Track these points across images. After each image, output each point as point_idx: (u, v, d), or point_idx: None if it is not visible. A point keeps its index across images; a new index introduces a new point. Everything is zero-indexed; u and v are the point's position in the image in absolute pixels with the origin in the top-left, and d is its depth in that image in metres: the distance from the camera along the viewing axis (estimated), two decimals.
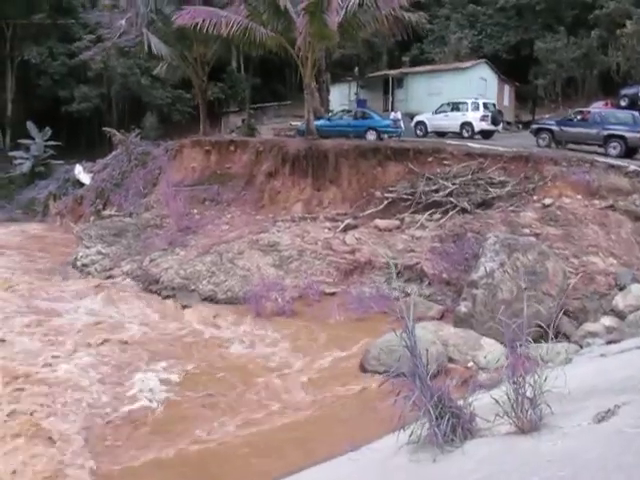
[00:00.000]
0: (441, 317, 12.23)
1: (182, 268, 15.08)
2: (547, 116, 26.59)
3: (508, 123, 29.34)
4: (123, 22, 20.96)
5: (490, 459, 3.65)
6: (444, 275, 13.54)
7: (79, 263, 16.70)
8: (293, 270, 15.01)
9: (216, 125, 34.02)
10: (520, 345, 4.15)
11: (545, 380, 3.80)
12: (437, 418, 4.40)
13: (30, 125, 32.44)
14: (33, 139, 32.48)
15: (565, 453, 3.20)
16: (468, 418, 4.53)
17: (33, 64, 35.73)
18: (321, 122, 21.42)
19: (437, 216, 16.01)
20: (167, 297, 14.27)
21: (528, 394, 3.89)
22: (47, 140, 32.57)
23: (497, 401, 4.35)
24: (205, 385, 9.12)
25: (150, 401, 8.38)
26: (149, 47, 20.22)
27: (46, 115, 34.20)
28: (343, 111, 23.84)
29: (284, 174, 18.59)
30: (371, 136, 20.17)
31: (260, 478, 6.43)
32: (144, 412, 8.12)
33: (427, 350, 8.32)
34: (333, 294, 14.03)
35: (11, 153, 33.10)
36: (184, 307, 13.54)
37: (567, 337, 11.33)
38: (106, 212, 23.14)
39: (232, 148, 20.59)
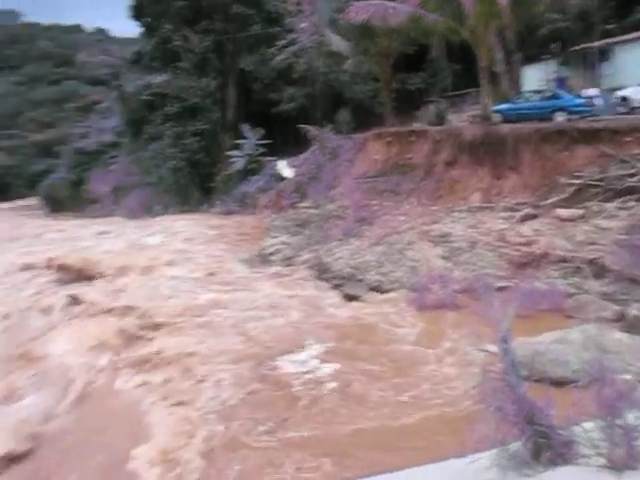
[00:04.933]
0: (617, 319, 10.96)
1: (352, 258, 15.62)
2: None
3: None
4: (303, 25, 22.18)
5: None
6: (629, 271, 12.07)
7: (265, 252, 18.23)
8: (462, 262, 14.64)
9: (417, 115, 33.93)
10: None
11: None
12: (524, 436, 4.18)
13: (244, 127, 35.98)
14: (247, 139, 36.00)
15: None
16: (563, 442, 4.17)
17: (248, 72, 39.54)
18: (505, 106, 20.23)
19: (631, 204, 14.24)
20: (336, 286, 14.88)
21: (622, 425, 3.49)
22: (259, 139, 35.79)
23: (584, 429, 3.95)
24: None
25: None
26: (329, 45, 21.16)
27: (260, 117, 37.57)
28: (530, 92, 22.16)
29: (462, 163, 18.05)
30: (560, 117, 18.47)
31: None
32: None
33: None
34: (503, 288, 13.43)
35: (229, 153, 37.08)
36: (349, 296, 14.10)
37: None
38: (301, 204, 24.78)
39: (412, 138, 20.51)
